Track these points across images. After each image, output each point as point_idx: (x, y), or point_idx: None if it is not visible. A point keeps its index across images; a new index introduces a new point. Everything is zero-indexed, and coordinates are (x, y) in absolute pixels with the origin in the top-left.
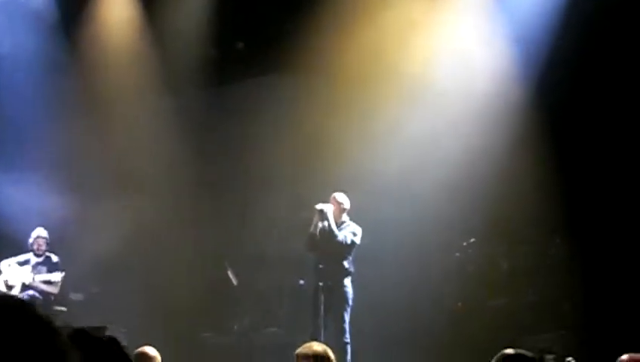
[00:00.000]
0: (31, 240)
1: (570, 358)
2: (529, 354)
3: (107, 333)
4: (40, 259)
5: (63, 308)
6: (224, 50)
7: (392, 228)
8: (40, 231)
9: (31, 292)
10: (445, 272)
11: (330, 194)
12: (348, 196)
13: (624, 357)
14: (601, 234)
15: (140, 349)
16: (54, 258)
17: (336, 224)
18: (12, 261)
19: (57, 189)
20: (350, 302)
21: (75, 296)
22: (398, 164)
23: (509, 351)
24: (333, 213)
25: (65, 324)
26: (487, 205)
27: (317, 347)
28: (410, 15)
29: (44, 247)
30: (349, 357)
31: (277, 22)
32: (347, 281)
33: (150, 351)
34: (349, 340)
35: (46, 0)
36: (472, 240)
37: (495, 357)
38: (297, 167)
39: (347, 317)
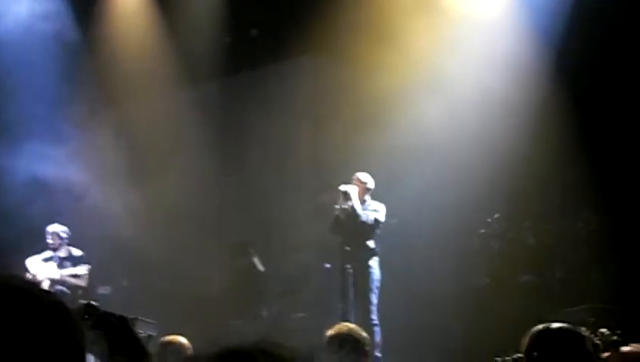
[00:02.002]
0: (47, 236)
1: (604, 329)
2: (562, 325)
3: (137, 325)
4: (63, 255)
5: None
6: (238, 38)
7: (415, 207)
8: (53, 227)
9: (59, 287)
10: (470, 249)
11: (353, 176)
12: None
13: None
14: (630, 206)
15: (170, 337)
16: (76, 252)
17: (360, 203)
18: (37, 258)
19: (82, 181)
20: (377, 283)
21: (104, 290)
22: (418, 143)
23: (541, 325)
24: (358, 191)
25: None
26: (511, 180)
27: (346, 327)
28: None
29: (57, 241)
30: (377, 338)
31: (289, 7)
32: (373, 262)
33: (179, 339)
34: (377, 321)
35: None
36: (497, 215)
37: (530, 334)
38: (318, 149)
39: (374, 299)
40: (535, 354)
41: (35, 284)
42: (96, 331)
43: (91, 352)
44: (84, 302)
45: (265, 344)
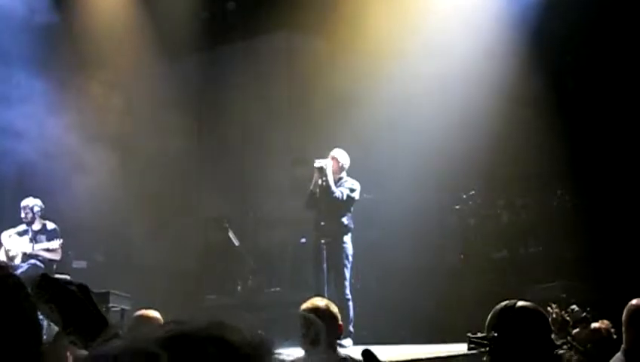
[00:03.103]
0: (21, 211)
1: (574, 306)
2: (525, 303)
3: (111, 299)
4: (38, 228)
5: (67, 277)
6: (215, 12)
7: (390, 183)
8: (26, 201)
9: (33, 261)
10: (445, 225)
11: (328, 151)
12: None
13: (634, 301)
14: (604, 184)
15: (141, 312)
16: (50, 225)
17: (335, 180)
18: (12, 231)
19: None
20: (350, 259)
21: (78, 264)
22: (395, 120)
23: (503, 303)
24: (333, 169)
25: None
26: (486, 157)
27: (319, 302)
28: None
29: (30, 215)
30: (351, 312)
31: None
32: (346, 238)
33: (151, 313)
34: (350, 296)
35: None
36: (472, 192)
37: (492, 313)
38: (293, 124)
39: (347, 274)
40: (495, 334)
41: None
42: (49, 304)
43: (48, 320)
44: (39, 274)
45: (217, 328)
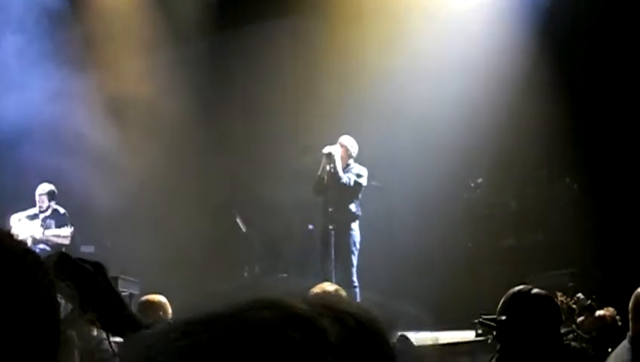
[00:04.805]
0: (36, 197)
1: (579, 294)
2: (539, 291)
3: (119, 283)
4: (48, 213)
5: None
6: None
7: (398, 171)
8: (41, 188)
9: (42, 246)
10: (453, 213)
11: (335, 138)
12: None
13: None
14: (612, 173)
15: (150, 296)
16: (61, 210)
17: (343, 167)
18: (22, 215)
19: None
20: (357, 245)
21: (87, 249)
22: (404, 107)
23: (517, 288)
24: (341, 155)
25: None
26: (494, 145)
27: (329, 287)
28: None
29: (46, 203)
30: (357, 299)
31: None
32: (354, 225)
33: (158, 298)
34: (357, 283)
35: None
36: (480, 180)
37: (504, 297)
38: (301, 110)
39: (355, 261)
40: (503, 317)
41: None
42: (67, 282)
43: (66, 299)
44: (57, 252)
45: (348, 303)
